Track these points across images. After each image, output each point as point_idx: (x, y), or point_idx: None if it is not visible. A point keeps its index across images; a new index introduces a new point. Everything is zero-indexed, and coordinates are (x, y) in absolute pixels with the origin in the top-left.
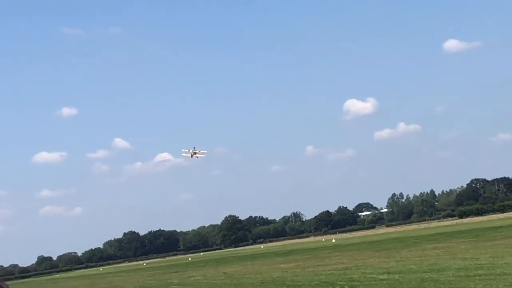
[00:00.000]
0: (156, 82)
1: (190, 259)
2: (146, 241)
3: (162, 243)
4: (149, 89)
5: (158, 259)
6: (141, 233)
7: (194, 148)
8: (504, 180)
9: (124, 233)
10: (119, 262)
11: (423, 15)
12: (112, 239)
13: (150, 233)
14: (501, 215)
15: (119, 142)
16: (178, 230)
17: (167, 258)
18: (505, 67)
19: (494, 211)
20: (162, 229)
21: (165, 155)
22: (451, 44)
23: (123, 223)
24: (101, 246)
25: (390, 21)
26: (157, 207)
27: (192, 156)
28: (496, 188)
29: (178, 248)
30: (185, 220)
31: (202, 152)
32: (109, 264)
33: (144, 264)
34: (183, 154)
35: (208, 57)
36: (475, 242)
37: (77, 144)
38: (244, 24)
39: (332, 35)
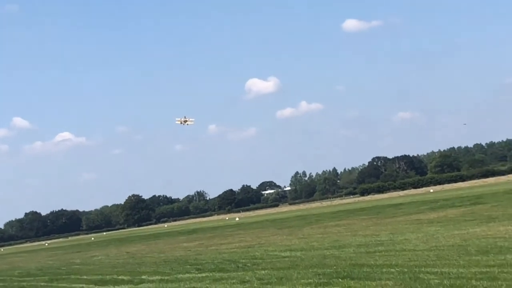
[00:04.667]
0: (55, 60)
1: (93, 238)
2: (48, 221)
3: (64, 223)
4: (49, 68)
5: (61, 239)
6: (43, 213)
7: (185, 117)
8: (404, 158)
9: (26, 213)
10: (21, 243)
11: None
12: (13, 219)
13: (52, 213)
14: (402, 193)
15: (18, 121)
16: (81, 210)
17: (70, 238)
18: (404, 47)
19: (394, 188)
20: (64, 209)
21: (65, 135)
22: (351, 24)
23: (24, 203)
24: (2, 227)
25: (289, 0)
26: (58, 187)
27: (182, 123)
28: (397, 166)
29: (80, 228)
30: (88, 199)
31: (191, 120)
32: (10, 245)
33: (46, 244)
34: (176, 122)
35: (111, 36)
36: (376, 219)
37: None
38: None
39: (232, 15)
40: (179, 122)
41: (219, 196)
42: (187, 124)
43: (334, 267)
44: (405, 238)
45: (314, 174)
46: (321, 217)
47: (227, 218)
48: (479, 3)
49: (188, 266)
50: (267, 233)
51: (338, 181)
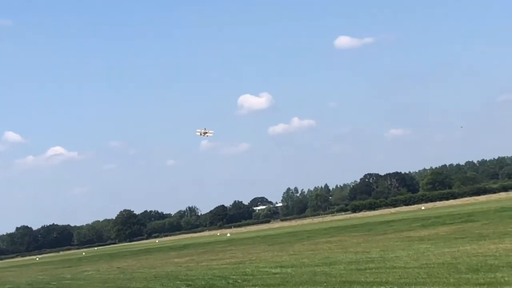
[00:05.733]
0: (48, 75)
1: (84, 253)
2: (39, 235)
3: (55, 238)
4: (41, 82)
5: (52, 254)
6: (34, 228)
7: (205, 128)
8: (396, 175)
9: (17, 228)
10: (12, 257)
11: (315, 12)
12: (4, 233)
13: (43, 227)
14: (393, 210)
15: (11, 135)
16: (72, 225)
17: (61, 253)
18: (396, 64)
19: (386, 205)
20: (55, 223)
21: (57, 149)
22: (343, 41)
23: (15, 218)
24: None
25: (283, 17)
26: (50, 201)
27: (202, 134)
28: (389, 183)
29: (72, 243)
30: (79, 214)
31: (211, 132)
32: (1, 259)
33: (37, 259)
34: (196, 133)
35: (104, 51)
36: (367, 236)
37: None
38: (126, 17)
39: (225, 31)
40: (199, 134)
41: (211, 211)
42: (207, 136)
43: (325, 284)
44: (395, 255)
45: (306, 191)
46: (312, 234)
47: (218, 234)
48: (471, 21)
49: (179, 282)
50: (258, 249)
51: (330, 197)
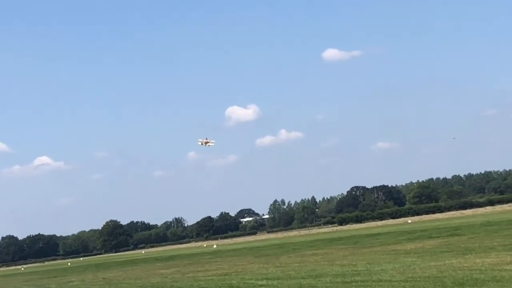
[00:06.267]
0: (34, 84)
1: (69, 264)
2: (25, 245)
3: (41, 248)
4: (28, 91)
5: (37, 264)
6: (20, 237)
7: (207, 138)
8: (383, 188)
9: (2, 237)
10: None
11: (303, 24)
12: None
13: (29, 237)
14: (380, 223)
15: None
16: (58, 235)
17: (46, 263)
18: (384, 77)
19: (373, 218)
20: (41, 233)
21: (44, 159)
22: (331, 53)
23: (0, 227)
24: None
25: (271, 29)
26: (36, 211)
27: (203, 144)
28: (375, 196)
29: (57, 253)
30: (65, 224)
31: (212, 142)
32: None
33: (22, 269)
34: (198, 143)
35: (89, 61)
36: (353, 248)
37: None
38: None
39: (212, 41)
40: (201, 143)
41: (197, 223)
42: (208, 145)
43: None
44: (381, 268)
45: (292, 203)
46: (298, 246)
47: (204, 245)
48: (458, 34)
49: None
50: (244, 261)
51: (317, 210)
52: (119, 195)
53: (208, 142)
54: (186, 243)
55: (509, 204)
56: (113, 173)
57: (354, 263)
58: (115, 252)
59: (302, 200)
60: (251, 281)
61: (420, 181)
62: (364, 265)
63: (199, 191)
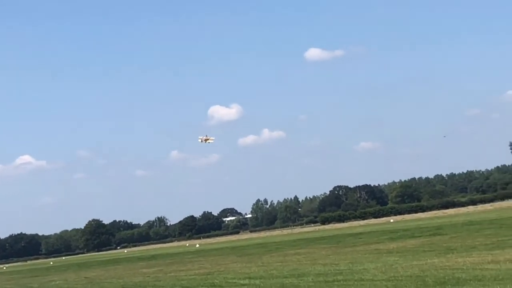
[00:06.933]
0: (16, 83)
1: (51, 263)
2: (7, 244)
3: (23, 247)
4: (9, 90)
5: (19, 263)
6: (2, 237)
7: (206, 135)
8: (366, 187)
9: None
10: None
11: (285, 24)
12: None
13: (11, 236)
14: (362, 222)
15: None
16: (40, 234)
17: (28, 262)
18: (366, 76)
19: (355, 217)
20: (23, 232)
21: (26, 158)
22: (314, 53)
23: None
24: None
25: (253, 28)
26: (18, 210)
27: (203, 141)
28: (358, 195)
29: (40, 252)
30: (48, 223)
31: (212, 139)
32: None
33: (4, 268)
34: (199, 140)
35: (74, 60)
36: (336, 248)
37: None
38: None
39: (195, 42)
40: (200, 140)
41: (180, 222)
42: (208, 142)
43: None
44: (364, 267)
45: (275, 202)
46: (281, 245)
47: (187, 245)
48: (440, 35)
49: None
50: (227, 261)
51: (299, 209)
52: (101, 194)
53: (208, 139)
54: (168, 242)
55: (490, 204)
56: (96, 172)
57: (336, 263)
58: (98, 251)
59: (284, 199)
60: (234, 280)
61: (403, 180)
62: (347, 265)
63: (181, 191)
